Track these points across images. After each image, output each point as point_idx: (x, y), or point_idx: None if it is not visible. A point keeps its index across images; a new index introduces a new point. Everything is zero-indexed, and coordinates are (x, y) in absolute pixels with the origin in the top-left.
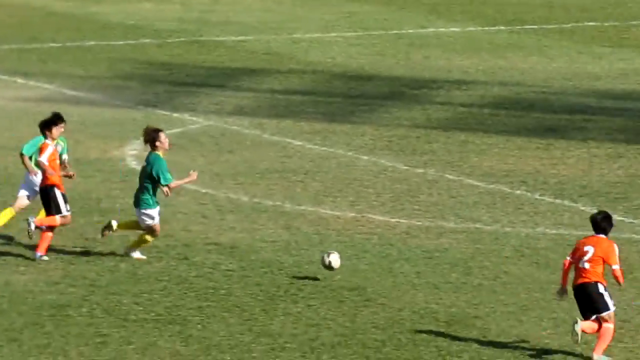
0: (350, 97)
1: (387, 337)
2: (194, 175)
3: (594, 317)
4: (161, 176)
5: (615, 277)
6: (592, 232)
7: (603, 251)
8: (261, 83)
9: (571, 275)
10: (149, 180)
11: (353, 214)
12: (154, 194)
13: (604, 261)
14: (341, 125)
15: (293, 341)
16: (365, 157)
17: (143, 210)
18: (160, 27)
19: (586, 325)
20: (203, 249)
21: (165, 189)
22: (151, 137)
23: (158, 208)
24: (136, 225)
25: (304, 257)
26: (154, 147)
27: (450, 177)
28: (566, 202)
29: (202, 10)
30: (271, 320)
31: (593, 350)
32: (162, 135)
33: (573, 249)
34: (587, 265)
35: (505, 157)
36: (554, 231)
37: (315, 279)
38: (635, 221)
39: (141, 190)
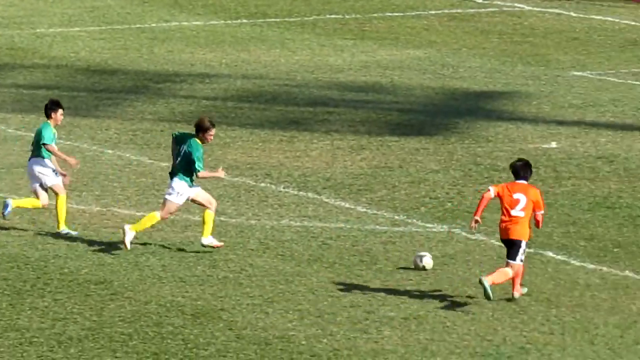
0: (94, 91)
1: (134, 330)
2: (221, 172)
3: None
4: (197, 162)
5: (537, 221)
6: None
7: (534, 197)
8: (5, 78)
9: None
10: (186, 161)
11: (99, 208)
12: (190, 175)
13: (534, 207)
14: (85, 119)
15: (40, 335)
16: (110, 151)
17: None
18: None
19: (495, 277)
20: None
21: (200, 173)
22: (201, 126)
23: (192, 189)
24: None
25: (50, 252)
26: (197, 135)
27: None
28: (310, 194)
29: None
30: (18, 314)
31: (512, 290)
32: (212, 131)
33: (497, 191)
34: (522, 214)
35: (249, 150)
36: (298, 223)
37: (62, 273)
38: (378, 212)
39: (179, 169)
